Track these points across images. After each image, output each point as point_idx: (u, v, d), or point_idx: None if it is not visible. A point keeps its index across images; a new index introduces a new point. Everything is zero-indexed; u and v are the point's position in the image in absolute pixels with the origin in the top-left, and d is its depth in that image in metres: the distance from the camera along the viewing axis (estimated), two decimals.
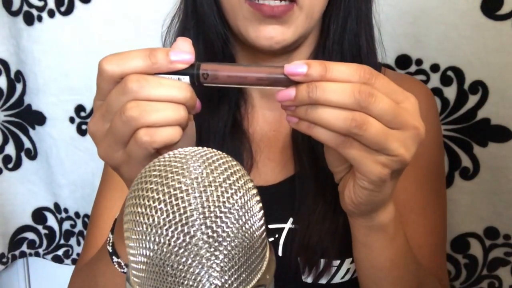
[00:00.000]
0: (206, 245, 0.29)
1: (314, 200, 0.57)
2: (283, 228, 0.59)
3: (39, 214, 1.04)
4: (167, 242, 0.29)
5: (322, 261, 0.57)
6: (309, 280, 0.58)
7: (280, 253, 0.58)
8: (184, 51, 0.39)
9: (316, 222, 0.56)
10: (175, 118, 0.38)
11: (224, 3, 0.56)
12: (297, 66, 0.38)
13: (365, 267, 0.52)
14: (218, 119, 0.61)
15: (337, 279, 0.58)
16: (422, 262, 0.59)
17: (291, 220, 0.59)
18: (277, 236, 0.59)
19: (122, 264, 0.48)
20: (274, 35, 0.53)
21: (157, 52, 0.38)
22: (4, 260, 1.03)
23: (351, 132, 0.38)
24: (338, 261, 0.57)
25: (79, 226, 1.03)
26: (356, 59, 0.59)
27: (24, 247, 1.06)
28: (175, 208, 0.29)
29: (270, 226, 0.59)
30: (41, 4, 0.88)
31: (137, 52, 0.38)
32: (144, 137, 0.37)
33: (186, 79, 0.39)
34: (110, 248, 0.49)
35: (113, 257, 0.49)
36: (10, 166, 1.01)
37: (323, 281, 0.58)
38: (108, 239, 0.50)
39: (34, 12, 0.89)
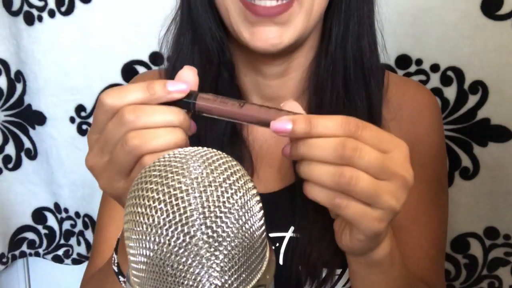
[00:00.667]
0: (206, 245, 0.29)
1: (315, 209, 0.55)
2: (283, 237, 0.58)
3: (39, 214, 1.04)
4: (167, 242, 0.29)
5: (324, 270, 0.56)
6: None
7: (281, 262, 0.58)
8: (180, 82, 0.40)
9: (318, 231, 0.55)
10: (175, 141, 0.39)
11: (219, 3, 0.55)
12: (283, 123, 0.38)
13: None
14: (217, 128, 0.60)
15: (338, 287, 0.58)
16: (420, 274, 0.59)
17: (292, 229, 0.58)
18: (277, 245, 0.58)
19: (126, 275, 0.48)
20: (270, 37, 0.52)
21: (154, 84, 0.40)
22: (4, 260, 1.03)
23: (341, 187, 0.38)
24: (340, 270, 0.57)
25: (79, 226, 1.03)
26: (358, 62, 0.58)
27: (24, 247, 1.06)
28: (175, 208, 0.29)
29: (271, 235, 0.58)
30: (41, 4, 0.88)
31: (135, 85, 0.40)
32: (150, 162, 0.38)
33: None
34: (115, 268, 0.49)
35: (120, 276, 0.49)
36: (10, 166, 1.01)
37: None
38: (113, 259, 0.50)
39: (35, 12, 0.89)
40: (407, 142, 0.63)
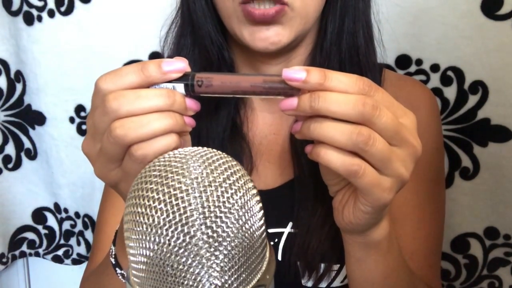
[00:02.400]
0: (206, 245, 0.29)
1: (314, 205, 0.56)
2: (282, 233, 0.59)
3: (39, 214, 1.04)
4: (167, 242, 0.28)
5: (322, 265, 0.56)
6: (309, 284, 0.57)
7: (279, 258, 0.58)
8: (176, 60, 0.38)
9: (316, 227, 0.55)
10: (164, 127, 0.37)
11: (220, 7, 0.56)
12: (296, 72, 0.36)
13: (358, 280, 0.51)
14: (217, 123, 0.60)
15: (336, 283, 0.58)
16: (414, 268, 0.58)
17: (290, 224, 0.58)
18: (276, 240, 0.59)
19: (125, 274, 0.48)
20: (269, 36, 0.53)
21: (148, 64, 0.38)
22: (4, 260, 1.03)
23: (358, 147, 0.36)
24: (338, 265, 0.57)
25: (79, 226, 1.03)
26: (354, 59, 0.59)
27: (24, 247, 1.06)
28: (175, 208, 0.29)
29: (270, 230, 0.59)
30: (41, 4, 0.88)
31: (130, 67, 0.38)
32: (137, 152, 0.37)
33: (180, 88, 0.39)
34: (113, 260, 0.49)
35: (117, 268, 0.49)
36: (10, 166, 1.01)
37: (323, 285, 0.57)
38: (111, 251, 0.50)
39: (34, 12, 0.89)
40: None
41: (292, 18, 0.53)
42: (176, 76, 0.38)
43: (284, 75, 0.37)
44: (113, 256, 0.49)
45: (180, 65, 0.38)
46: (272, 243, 0.58)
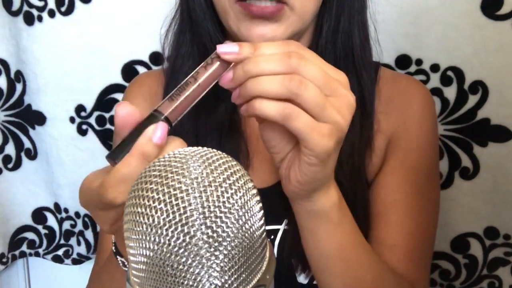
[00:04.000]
0: (206, 245, 0.29)
1: None
2: (278, 230, 0.59)
3: (39, 214, 1.04)
4: (167, 242, 0.28)
5: None
6: (304, 281, 0.58)
7: (275, 255, 0.58)
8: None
9: None
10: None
11: (216, 5, 0.57)
12: (229, 46, 0.40)
13: (313, 256, 0.51)
14: (215, 120, 0.61)
15: None
16: (390, 260, 0.58)
17: (285, 221, 0.59)
18: (272, 237, 0.59)
19: (126, 263, 0.49)
20: (265, 32, 0.53)
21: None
22: (4, 260, 1.03)
23: (292, 91, 0.38)
24: None
25: (79, 226, 1.03)
26: (349, 58, 0.59)
27: (24, 247, 1.06)
28: (175, 208, 0.29)
29: (266, 228, 0.59)
30: (41, 4, 0.88)
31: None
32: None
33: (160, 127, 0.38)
34: (113, 248, 0.49)
35: (117, 256, 0.49)
36: (10, 166, 1.01)
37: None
38: (112, 239, 0.50)
39: (34, 12, 0.89)
40: (395, 127, 0.63)
41: (290, 17, 0.54)
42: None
43: (219, 50, 0.40)
44: (113, 243, 0.50)
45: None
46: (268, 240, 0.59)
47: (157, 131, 0.37)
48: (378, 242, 0.60)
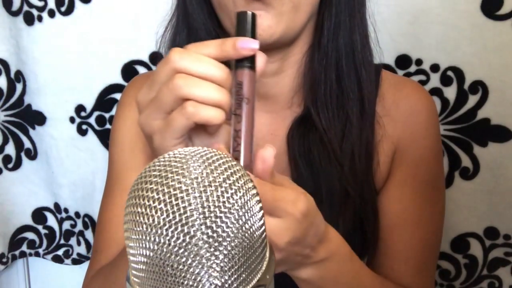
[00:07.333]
0: (206, 245, 0.29)
1: None
2: None
3: (39, 214, 1.04)
4: (167, 242, 0.28)
5: None
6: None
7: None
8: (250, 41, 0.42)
9: None
10: (217, 99, 0.40)
11: (213, 0, 0.57)
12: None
13: None
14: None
15: None
16: (407, 275, 0.59)
17: None
18: None
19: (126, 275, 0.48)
20: (265, 25, 0.52)
21: (227, 40, 0.41)
22: (4, 260, 1.03)
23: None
24: None
25: (79, 226, 1.03)
26: (349, 56, 0.59)
27: (24, 247, 1.06)
28: (175, 208, 0.29)
29: None
30: (41, 4, 0.88)
31: (212, 41, 0.42)
32: (190, 107, 0.40)
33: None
34: None
35: None
36: (10, 166, 1.01)
37: None
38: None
39: (34, 12, 0.89)
40: (402, 134, 0.63)
41: (284, 4, 0.52)
42: (247, 54, 0.41)
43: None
44: None
45: (254, 45, 0.41)
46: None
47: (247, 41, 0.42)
48: (388, 254, 0.61)
